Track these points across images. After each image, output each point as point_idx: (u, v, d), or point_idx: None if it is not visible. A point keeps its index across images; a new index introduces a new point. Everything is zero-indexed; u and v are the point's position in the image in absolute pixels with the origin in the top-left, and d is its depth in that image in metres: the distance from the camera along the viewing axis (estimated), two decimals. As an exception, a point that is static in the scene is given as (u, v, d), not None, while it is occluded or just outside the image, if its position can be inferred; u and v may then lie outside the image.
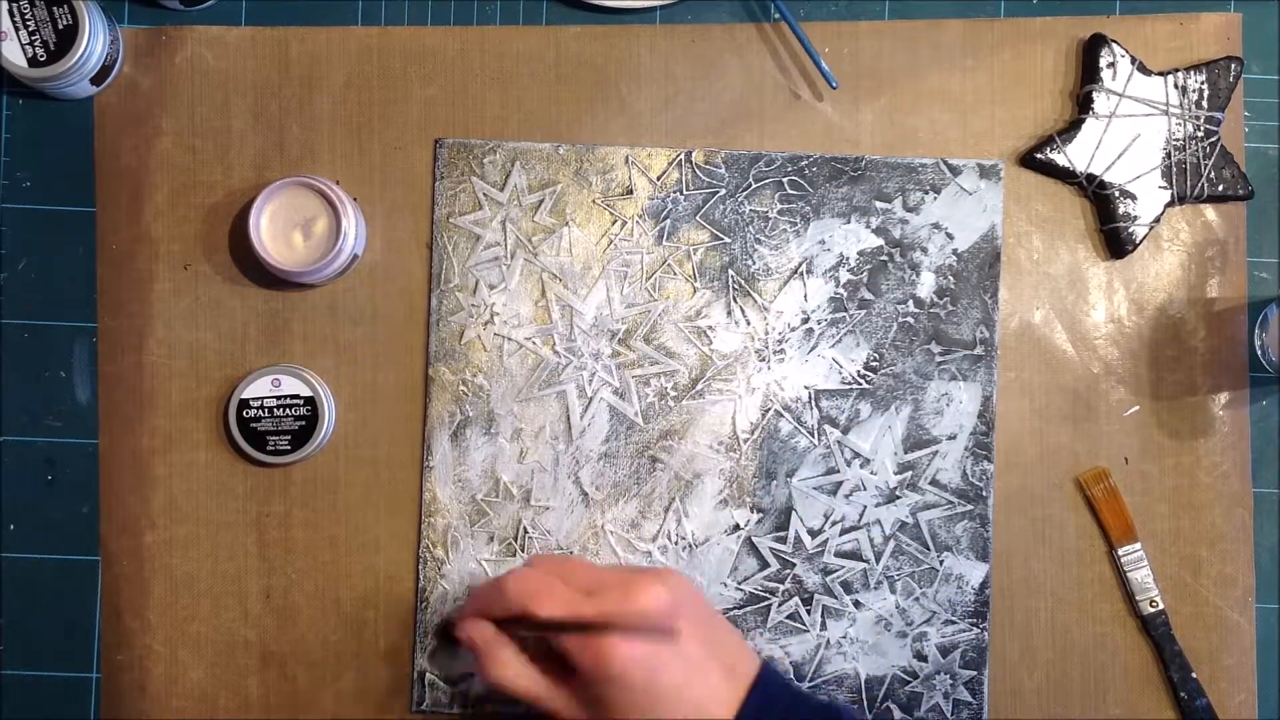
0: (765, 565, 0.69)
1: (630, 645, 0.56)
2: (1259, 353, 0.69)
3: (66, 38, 0.66)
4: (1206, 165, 0.69)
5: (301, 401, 0.68)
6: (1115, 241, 0.70)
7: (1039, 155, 0.70)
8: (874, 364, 0.70)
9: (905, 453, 0.70)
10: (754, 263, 0.70)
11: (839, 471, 0.70)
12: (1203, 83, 0.70)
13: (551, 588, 0.58)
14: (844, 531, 0.70)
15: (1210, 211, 0.71)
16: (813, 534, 0.69)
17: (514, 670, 0.60)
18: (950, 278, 0.70)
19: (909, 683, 0.69)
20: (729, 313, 0.70)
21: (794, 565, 0.69)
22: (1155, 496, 0.70)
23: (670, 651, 0.57)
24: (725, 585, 0.69)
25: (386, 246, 0.70)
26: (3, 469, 0.70)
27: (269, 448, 0.68)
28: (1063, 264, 0.71)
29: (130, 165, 0.70)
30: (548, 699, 0.59)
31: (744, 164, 0.70)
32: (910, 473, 0.70)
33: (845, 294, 0.70)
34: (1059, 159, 0.70)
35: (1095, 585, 0.70)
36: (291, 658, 0.69)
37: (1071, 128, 0.70)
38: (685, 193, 0.70)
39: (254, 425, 0.68)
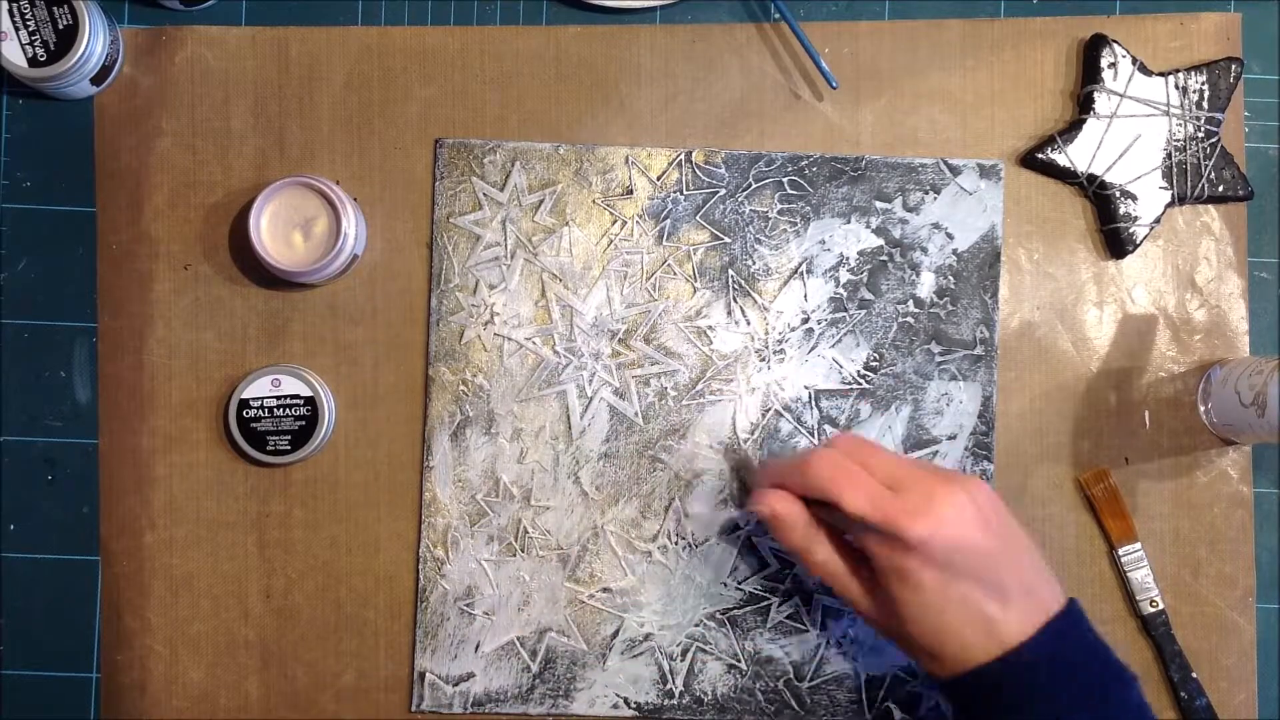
0: (765, 565, 0.69)
1: (927, 545, 0.56)
2: (1203, 417, 0.70)
3: (66, 38, 0.66)
4: (1207, 166, 0.69)
5: (301, 401, 0.68)
6: (1115, 242, 0.70)
7: (1040, 155, 0.70)
8: (874, 364, 0.70)
9: (906, 453, 0.70)
10: (754, 263, 0.70)
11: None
12: (1203, 83, 0.70)
13: (856, 477, 0.58)
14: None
15: (1210, 212, 0.71)
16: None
17: (823, 554, 0.61)
18: (950, 278, 0.70)
19: (909, 683, 0.69)
20: (729, 313, 0.70)
21: (794, 565, 0.69)
22: (1155, 496, 0.70)
23: (966, 562, 0.56)
24: (725, 585, 0.69)
25: (386, 246, 0.70)
26: (3, 469, 0.70)
27: (269, 448, 0.68)
28: (1063, 264, 0.71)
29: (130, 165, 0.70)
30: (846, 585, 0.60)
31: (744, 164, 0.70)
32: (910, 473, 0.70)
33: (845, 294, 0.70)
34: (1060, 159, 0.70)
35: (1095, 585, 0.70)
36: (291, 658, 0.69)
37: (1072, 128, 0.70)
38: (685, 193, 0.70)
39: (254, 425, 0.68)
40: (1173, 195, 0.70)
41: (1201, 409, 0.70)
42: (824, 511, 0.61)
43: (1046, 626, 0.56)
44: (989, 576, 0.56)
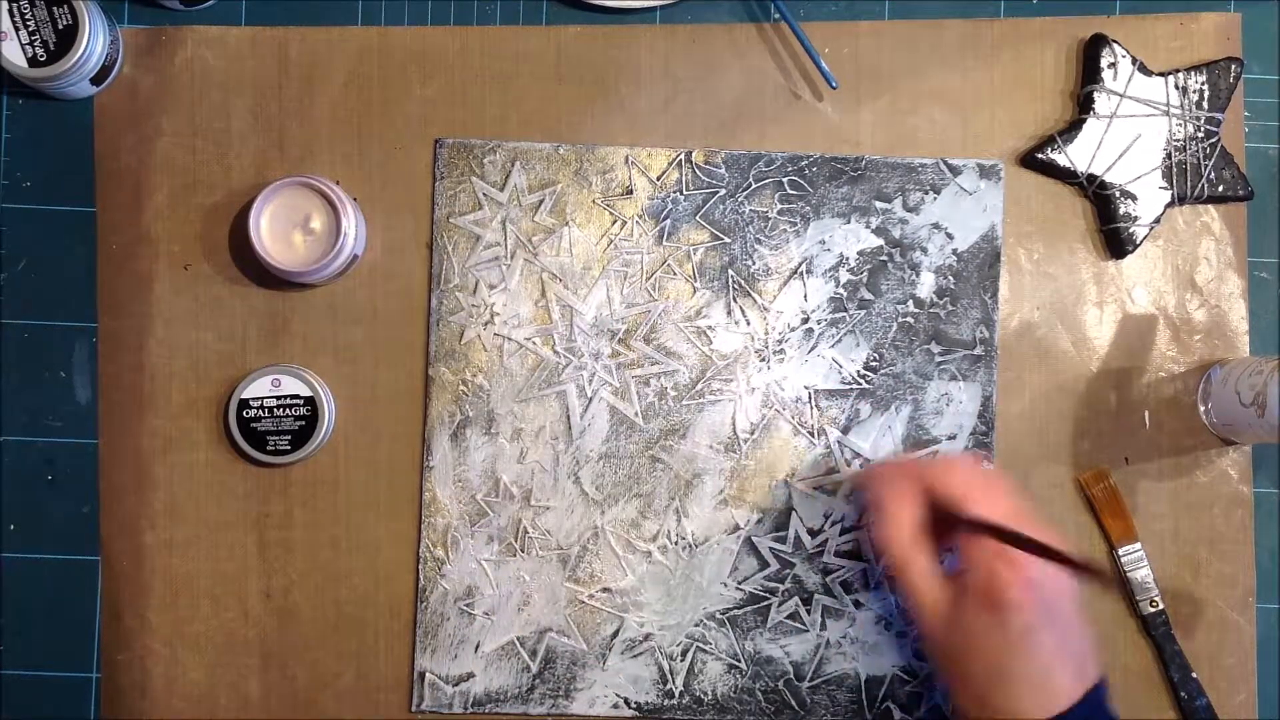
0: (765, 565, 0.69)
1: (1037, 588, 0.56)
2: (1203, 417, 0.70)
3: (66, 38, 0.66)
4: (1207, 166, 0.69)
5: (301, 401, 0.68)
6: (1115, 242, 0.70)
7: (1040, 155, 0.70)
8: (874, 364, 0.70)
9: (905, 452, 0.70)
10: (754, 263, 0.70)
11: (839, 471, 0.70)
12: (1203, 83, 0.70)
13: (989, 492, 0.58)
14: (844, 531, 0.70)
15: (1210, 212, 0.71)
16: (813, 534, 0.69)
17: (922, 564, 0.60)
18: (950, 278, 0.70)
19: (909, 683, 0.69)
20: (729, 313, 0.70)
21: (794, 565, 0.69)
22: (1155, 496, 0.70)
23: (1050, 618, 0.56)
24: (725, 585, 0.69)
25: (386, 246, 0.70)
26: (3, 469, 0.70)
27: (269, 448, 0.68)
28: (1063, 264, 0.71)
29: (130, 165, 0.70)
30: (925, 588, 0.60)
31: (744, 164, 0.70)
32: (910, 473, 0.70)
33: (845, 294, 0.70)
34: (1060, 159, 0.70)
35: (1095, 585, 0.70)
36: (291, 658, 0.69)
37: (1072, 128, 0.70)
38: (685, 193, 0.70)
39: (254, 425, 0.68)
40: (1173, 195, 0.70)
41: (1201, 409, 0.70)
42: (942, 519, 0.61)
43: (1088, 696, 0.57)
44: (1066, 638, 0.57)
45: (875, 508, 0.62)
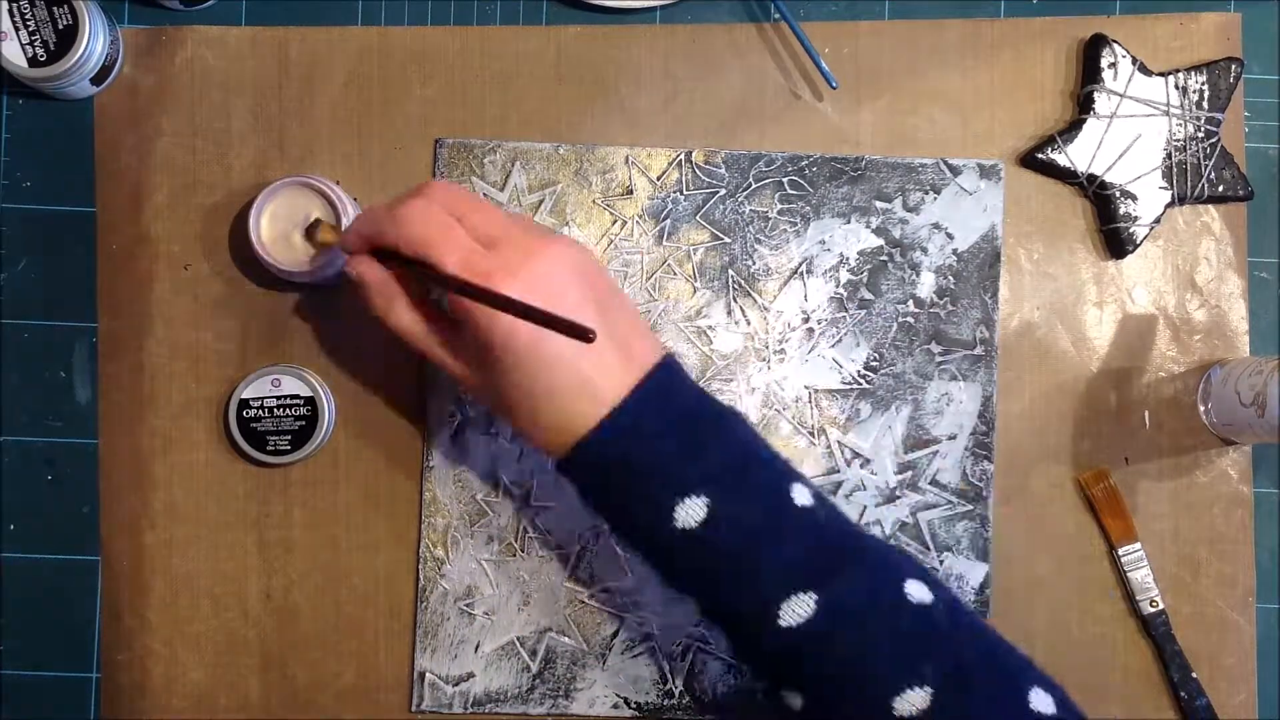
0: (765, 565, 0.69)
1: (524, 303, 0.52)
2: (1203, 417, 0.70)
3: (66, 38, 0.66)
4: (1207, 166, 0.69)
5: (301, 401, 0.68)
6: (1115, 242, 0.70)
7: (1040, 155, 0.70)
8: (874, 364, 0.70)
9: (905, 453, 0.70)
10: (754, 263, 0.70)
11: (839, 471, 0.70)
12: (1203, 83, 0.70)
13: (452, 235, 0.54)
14: (844, 531, 0.69)
15: (1210, 212, 0.71)
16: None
17: (408, 320, 0.57)
18: (950, 278, 0.70)
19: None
20: (729, 313, 0.70)
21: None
22: (1155, 496, 0.70)
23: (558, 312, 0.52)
24: (725, 585, 0.69)
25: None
26: (3, 469, 0.70)
27: (269, 448, 0.68)
28: (1063, 264, 0.71)
29: (130, 165, 0.70)
30: (437, 353, 0.57)
31: (744, 164, 0.70)
32: (910, 473, 0.70)
33: (845, 294, 0.70)
34: (1060, 159, 0.70)
35: (1095, 585, 0.70)
36: (291, 658, 0.69)
37: (1072, 128, 0.70)
38: (685, 193, 0.70)
39: (254, 425, 0.68)
40: (1173, 195, 0.70)
41: (1201, 409, 0.70)
42: (414, 269, 0.56)
43: (644, 380, 0.54)
44: (590, 338, 0.51)
45: (360, 290, 0.58)
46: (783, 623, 0.53)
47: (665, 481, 0.54)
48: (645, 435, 0.54)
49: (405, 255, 0.56)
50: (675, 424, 0.55)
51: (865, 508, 0.70)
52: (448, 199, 0.56)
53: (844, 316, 0.70)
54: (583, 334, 0.50)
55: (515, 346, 0.54)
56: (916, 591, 0.54)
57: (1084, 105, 0.70)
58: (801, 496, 0.55)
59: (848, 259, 0.70)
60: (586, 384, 0.54)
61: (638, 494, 0.55)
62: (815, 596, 0.53)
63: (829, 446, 0.70)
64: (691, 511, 0.54)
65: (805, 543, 0.54)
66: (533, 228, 0.56)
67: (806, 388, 0.70)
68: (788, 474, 0.56)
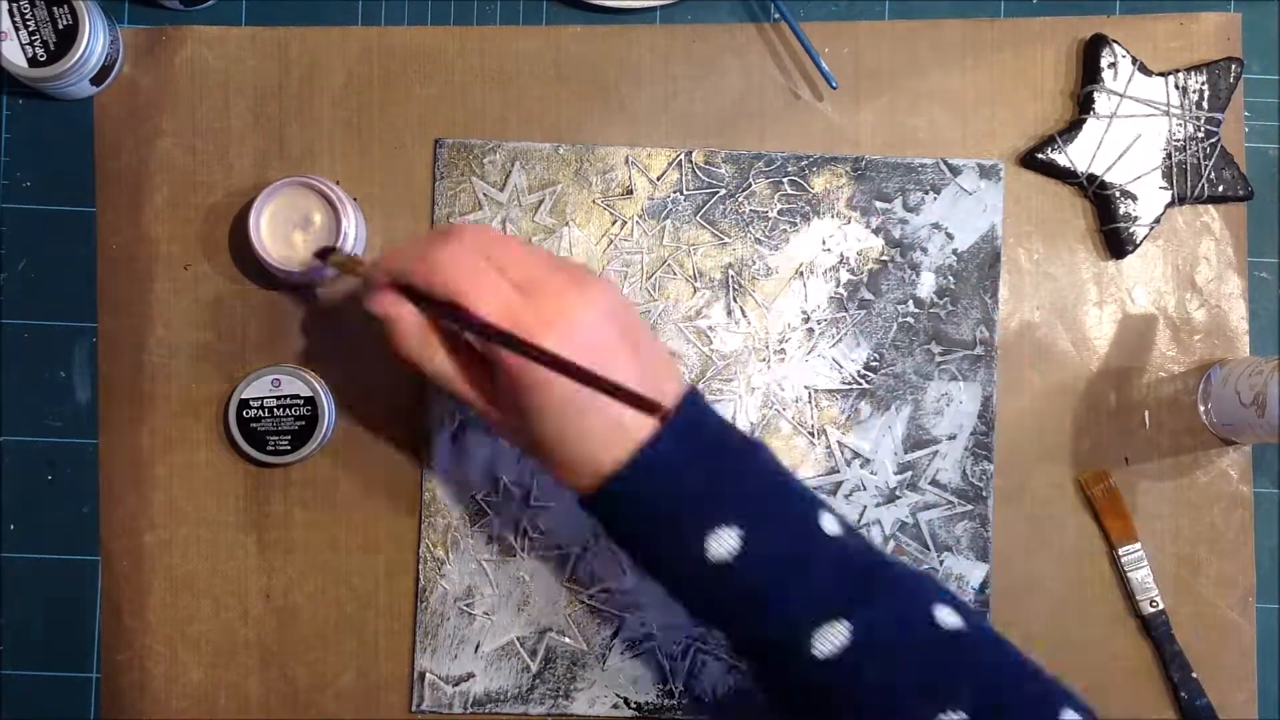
0: (765, 565, 0.69)
1: (551, 355, 0.51)
2: (1203, 417, 0.70)
3: (66, 38, 0.66)
4: (1207, 166, 0.69)
5: (301, 401, 0.68)
6: (1115, 242, 0.70)
7: (1040, 155, 0.70)
8: (874, 364, 0.70)
9: (905, 453, 0.70)
10: (754, 263, 0.70)
11: (839, 471, 0.70)
12: (1203, 83, 0.70)
13: (484, 278, 0.53)
14: (844, 531, 0.69)
15: (1210, 212, 0.71)
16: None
17: (439, 361, 0.56)
18: (950, 278, 0.70)
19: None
20: (729, 313, 0.70)
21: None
22: (1155, 496, 0.70)
23: (598, 366, 0.51)
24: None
25: (387, 246, 0.70)
26: (3, 469, 0.70)
27: (269, 448, 0.68)
28: (1063, 264, 0.71)
29: (130, 165, 0.70)
30: (466, 394, 0.57)
31: (744, 164, 0.70)
32: (910, 473, 0.70)
33: (845, 294, 0.70)
34: (1060, 159, 0.70)
35: (1095, 585, 0.70)
36: (291, 658, 0.69)
37: (1072, 128, 0.70)
38: (685, 193, 0.70)
39: (254, 425, 0.68)
40: (1173, 195, 0.70)
41: (1201, 409, 0.70)
42: (449, 320, 0.55)
43: (673, 417, 0.54)
44: (618, 374, 0.51)
45: (387, 330, 0.57)
46: (815, 652, 0.53)
47: (696, 514, 0.54)
48: (676, 469, 0.54)
49: (435, 299, 0.55)
50: (704, 456, 0.55)
51: (865, 508, 0.70)
52: (478, 242, 0.55)
53: (844, 316, 0.70)
54: (651, 407, 0.49)
55: (550, 393, 0.53)
56: (947, 618, 0.54)
57: (1084, 105, 0.70)
58: (830, 525, 0.55)
59: (848, 259, 0.70)
60: (619, 425, 0.54)
61: (668, 527, 0.54)
62: (848, 625, 0.53)
63: (829, 446, 0.70)
64: (723, 543, 0.53)
65: (836, 571, 0.54)
66: (563, 267, 0.56)
67: (806, 388, 0.70)
68: (816, 503, 0.56)
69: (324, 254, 0.64)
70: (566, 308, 0.53)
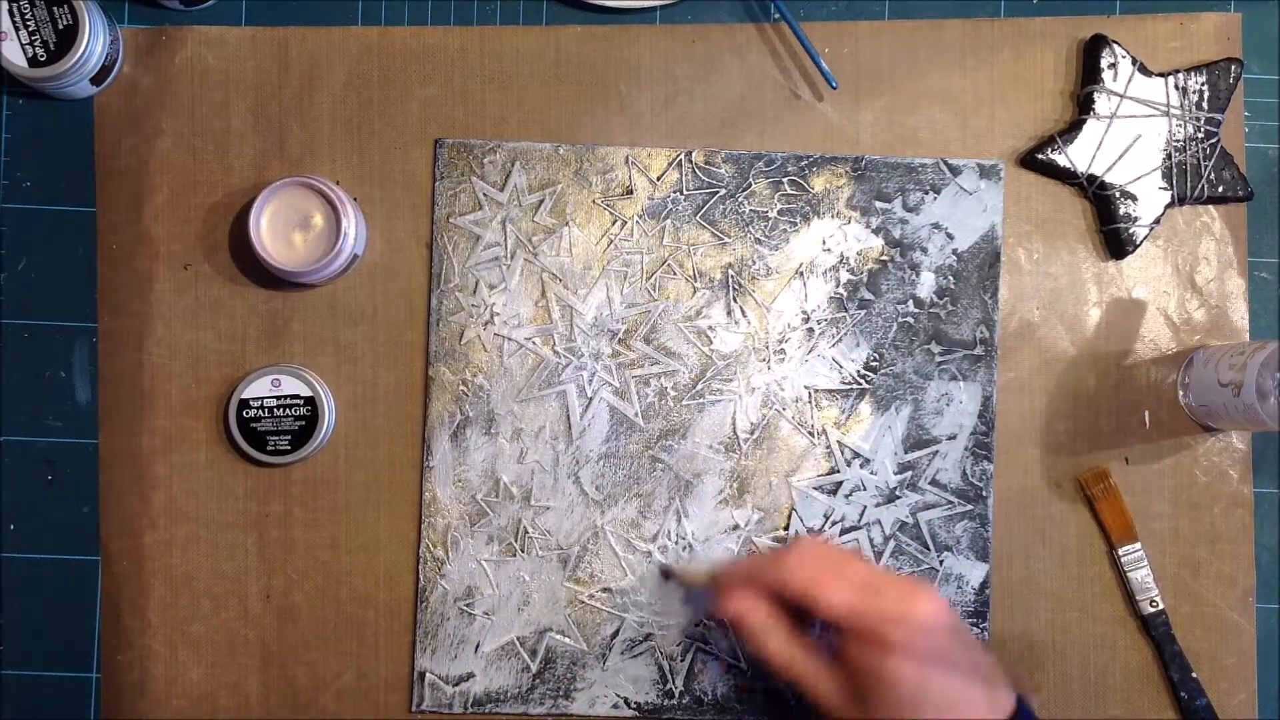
0: (765, 565, 0.69)
1: (909, 650, 0.56)
2: (1180, 399, 0.70)
3: (66, 38, 0.66)
4: (1207, 166, 0.69)
5: (301, 401, 0.68)
6: (1115, 242, 0.70)
7: (1040, 156, 0.70)
8: (874, 364, 0.70)
9: (905, 453, 0.70)
10: (754, 263, 0.70)
11: (839, 471, 0.70)
12: (1203, 84, 0.70)
13: (831, 576, 0.59)
14: (844, 531, 0.70)
15: (1210, 212, 0.71)
16: (813, 534, 0.69)
17: (789, 654, 0.61)
18: (950, 278, 0.70)
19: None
20: (729, 313, 0.70)
21: (794, 565, 0.69)
22: (1155, 496, 0.70)
23: (940, 664, 0.57)
24: (725, 585, 0.69)
25: (386, 246, 0.70)
26: (3, 469, 0.70)
27: (269, 448, 0.68)
28: (1063, 264, 0.71)
29: (130, 165, 0.70)
30: (809, 679, 0.60)
31: (744, 164, 0.70)
32: (910, 473, 0.70)
33: (845, 294, 0.70)
34: (1060, 159, 0.70)
35: (1095, 585, 0.70)
36: (291, 658, 0.69)
37: (1072, 128, 0.70)
38: (685, 193, 0.70)
39: (254, 425, 0.68)
40: (1173, 195, 0.70)
41: (1180, 393, 0.70)
42: (801, 613, 0.61)
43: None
44: (960, 677, 0.57)
45: (737, 626, 0.62)
46: None
47: None
48: None
49: (787, 596, 0.60)
50: None
51: (865, 508, 0.70)
52: (820, 550, 0.61)
53: (844, 316, 0.70)
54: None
55: (901, 686, 0.56)
56: None
57: (1084, 105, 0.70)
58: None
59: (848, 259, 0.70)
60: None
61: None
62: None
63: (829, 446, 0.70)
64: None
65: None
66: (902, 576, 0.63)
67: (806, 388, 0.70)
68: None
69: (666, 574, 0.69)
70: (912, 605, 0.57)
